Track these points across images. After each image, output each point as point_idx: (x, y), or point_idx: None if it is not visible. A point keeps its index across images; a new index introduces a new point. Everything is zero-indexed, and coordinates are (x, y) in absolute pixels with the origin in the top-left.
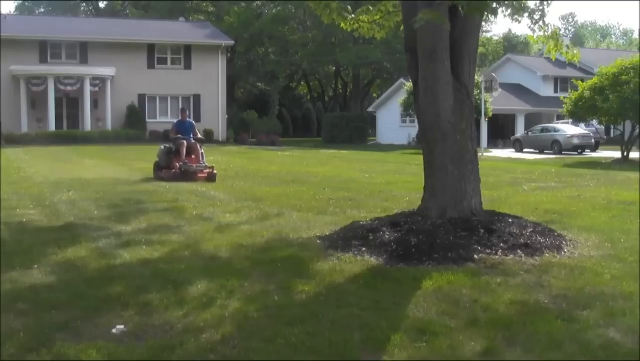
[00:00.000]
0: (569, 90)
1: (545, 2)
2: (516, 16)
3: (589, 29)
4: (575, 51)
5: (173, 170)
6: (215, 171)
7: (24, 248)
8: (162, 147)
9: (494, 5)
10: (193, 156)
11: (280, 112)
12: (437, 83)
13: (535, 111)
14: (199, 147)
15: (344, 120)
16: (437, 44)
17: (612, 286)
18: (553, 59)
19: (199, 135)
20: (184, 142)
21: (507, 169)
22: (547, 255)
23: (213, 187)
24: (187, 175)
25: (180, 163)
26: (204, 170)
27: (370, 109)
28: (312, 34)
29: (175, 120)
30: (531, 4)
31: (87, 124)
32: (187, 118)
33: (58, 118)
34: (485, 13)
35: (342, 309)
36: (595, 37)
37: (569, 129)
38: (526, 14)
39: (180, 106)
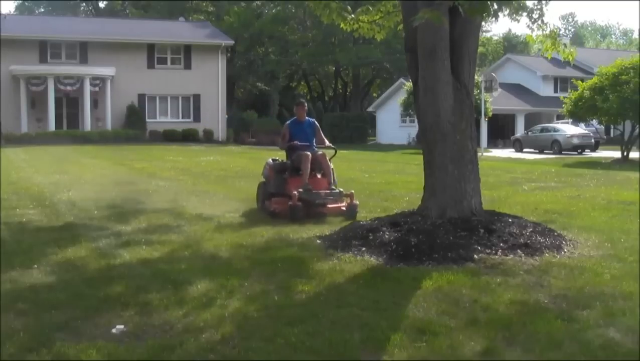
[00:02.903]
0: (569, 90)
1: (543, 2)
2: (515, 15)
3: (589, 29)
4: (571, 50)
5: (290, 203)
6: (356, 201)
7: (24, 248)
8: (271, 160)
9: (495, 6)
10: (319, 176)
11: (280, 112)
12: (437, 83)
13: (535, 111)
14: (328, 161)
15: (344, 120)
16: (437, 44)
17: (612, 286)
18: (549, 58)
19: (327, 142)
20: (309, 154)
21: (507, 169)
22: (547, 255)
23: (212, 187)
24: (309, 208)
25: (300, 189)
26: (338, 200)
27: (370, 109)
28: (312, 34)
29: (288, 121)
30: (530, 4)
31: (87, 124)
32: (307, 117)
33: (58, 118)
34: (485, 14)
35: (342, 309)
36: (595, 37)
37: (569, 129)
38: (525, 14)
39: (180, 106)
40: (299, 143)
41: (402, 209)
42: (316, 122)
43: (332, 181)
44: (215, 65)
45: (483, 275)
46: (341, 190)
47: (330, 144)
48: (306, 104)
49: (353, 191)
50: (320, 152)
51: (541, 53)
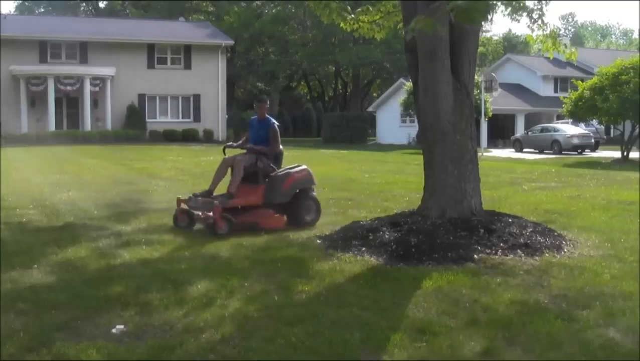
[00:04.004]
0: (569, 90)
1: (543, 2)
2: (515, 15)
3: (589, 29)
4: (572, 49)
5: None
6: (214, 214)
7: (24, 248)
8: None
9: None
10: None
11: (280, 112)
12: (437, 83)
13: (535, 111)
14: (241, 167)
15: (344, 120)
16: (437, 45)
17: (612, 286)
18: (551, 57)
19: (270, 147)
20: (225, 159)
21: (507, 169)
22: (547, 255)
23: None
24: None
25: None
26: (208, 210)
27: (370, 109)
28: (312, 34)
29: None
30: (530, 4)
31: (87, 124)
32: (268, 116)
33: (58, 118)
34: (476, 22)
35: (342, 309)
36: (595, 37)
37: (569, 129)
38: (525, 14)
39: (180, 106)
40: (234, 144)
41: (402, 209)
42: (275, 125)
43: (231, 189)
44: (215, 65)
45: (483, 275)
46: (214, 200)
47: (257, 148)
48: (267, 102)
49: (217, 203)
50: (240, 157)
51: (542, 53)
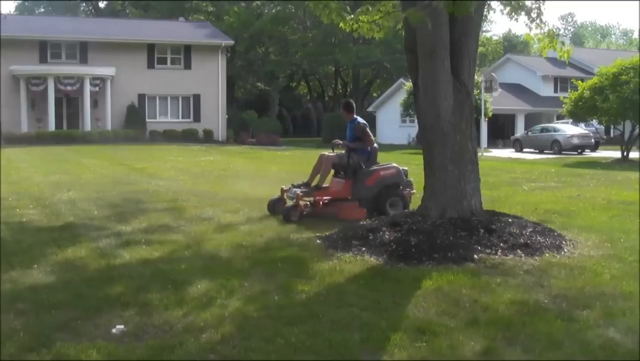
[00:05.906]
0: (569, 90)
1: (541, 2)
2: (514, 14)
3: (589, 29)
4: (567, 48)
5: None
6: (291, 204)
7: (24, 248)
8: None
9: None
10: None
11: (280, 112)
12: (437, 83)
13: (535, 111)
14: (329, 164)
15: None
16: (436, 44)
17: (612, 286)
18: (545, 56)
19: (363, 143)
20: (321, 154)
21: (507, 169)
22: (547, 255)
23: (212, 187)
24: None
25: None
26: (295, 199)
27: (370, 109)
28: (312, 34)
29: None
30: (528, 3)
31: (87, 124)
32: (356, 117)
33: (58, 118)
34: (485, 13)
35: (342, 309)
36: (595, 37)
37: (569, 129)
38: (523, 12)
39: (180, 106)
40: (340, 142)
41: None
42: (360, 123)
43: (320, 183)
44: (215, 65)
45: (483, 275)
46: (297, 190)
47: (351, 145)
48: (348, 104)
49: (298, 192)
50: (329, 154)
51: (538, 51)
